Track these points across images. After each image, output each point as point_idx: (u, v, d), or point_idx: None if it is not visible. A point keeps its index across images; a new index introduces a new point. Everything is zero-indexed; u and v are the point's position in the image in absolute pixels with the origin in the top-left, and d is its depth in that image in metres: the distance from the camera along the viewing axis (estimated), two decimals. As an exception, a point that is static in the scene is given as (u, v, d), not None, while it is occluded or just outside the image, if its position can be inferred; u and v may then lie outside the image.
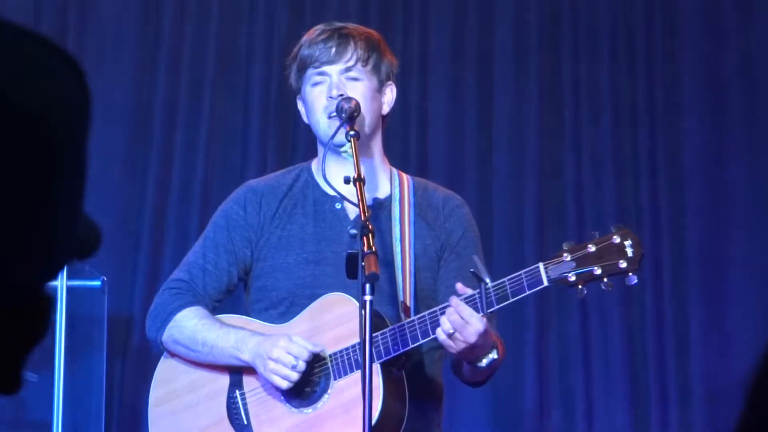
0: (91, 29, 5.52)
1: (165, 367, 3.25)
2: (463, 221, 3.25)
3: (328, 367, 3.06)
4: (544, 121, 5.48)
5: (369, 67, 3.18)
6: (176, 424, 3.19)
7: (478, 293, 2.91)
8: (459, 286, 2.95)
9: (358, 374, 2.98)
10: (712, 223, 5.38)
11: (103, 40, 5.52)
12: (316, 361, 3.06)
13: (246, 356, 3.07)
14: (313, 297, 3.10)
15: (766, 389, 1.21)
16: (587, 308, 5.29)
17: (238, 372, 3.15)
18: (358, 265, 2.80)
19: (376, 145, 3.24)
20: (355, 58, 3.16)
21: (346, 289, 3.01)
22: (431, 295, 3.15)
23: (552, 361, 5.29)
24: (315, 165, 3.27)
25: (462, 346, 2.91)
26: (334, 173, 3.08)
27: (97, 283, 5.01)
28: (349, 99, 3.10)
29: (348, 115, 3.06)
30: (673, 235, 5.37)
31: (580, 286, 2.93)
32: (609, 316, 5.30)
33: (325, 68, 3.16)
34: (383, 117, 3.25)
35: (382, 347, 2.97)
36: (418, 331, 2.97)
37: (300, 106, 3.27)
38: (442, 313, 2.93)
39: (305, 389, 3.07)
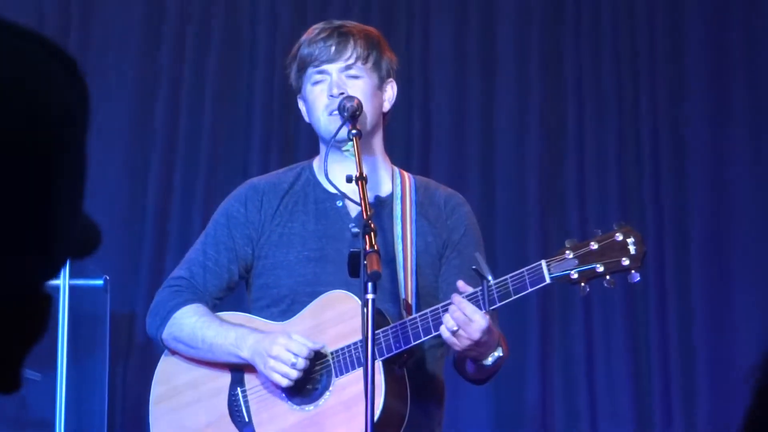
0: (94, 30, 5.53)
1: (166, 365, 3.25)
2: (465, 219, 3.25)
3: (330, 365, 3.06)
4: (547, 119, 5.48)
5: (369, 64, 3.18)
6: (177, 422, 3.19)
7: (480, 291, 2.91)
8: (460, 283, 2.95)
9: (359, 372, 2.98)
10: (715, 220, 5.38)
11: (106, 41, 5.52)
12: (317, 358, 3.05)
13: (245, 353, 3.07)
14: (315, 294, 3.10)
15: None
16: (590, 306, 5.29)
17: (239, 369, 3.14)
18: (360, 263, 2.79)
19: (378, 142, 3.24)
20: (355, 56, 3.16)
21: (348, 286, 3.01)
22: (433, 293, 3.14)
23: (555, 359, 5.29)
24: (317, 163, 3.27)
25: (466, 343, 2.90)
26: (336, 171, 3.07)
27: (100, 282, 5.01)
28: (351, 98, 3.10)
29: (350, 113, 3.06)
30: (676, 232, 5.37)
31: (582, 284, 2.92)
32: (612, 314, 5.30)
33: (325, 67, 3.16)
34: (384, 114, 3.25)
35: (383, 345, 2.97)
36: (420, 329, 2.97)
37: (301, 105, 3.27)
38: (445, 311, 2.92)
39: (307, 386, 3.07)
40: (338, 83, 3.14)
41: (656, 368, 5.25)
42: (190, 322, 3.15)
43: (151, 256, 5.30)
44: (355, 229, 2.96)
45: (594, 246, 2.92)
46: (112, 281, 5.05)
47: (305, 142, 5.17)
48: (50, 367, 4.73)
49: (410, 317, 3.00)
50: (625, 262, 2.91)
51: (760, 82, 5.47)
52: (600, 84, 5.50)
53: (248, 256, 3.22)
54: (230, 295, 3.31)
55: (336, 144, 3.09)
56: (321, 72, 3.17)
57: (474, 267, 2.93)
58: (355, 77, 3.16)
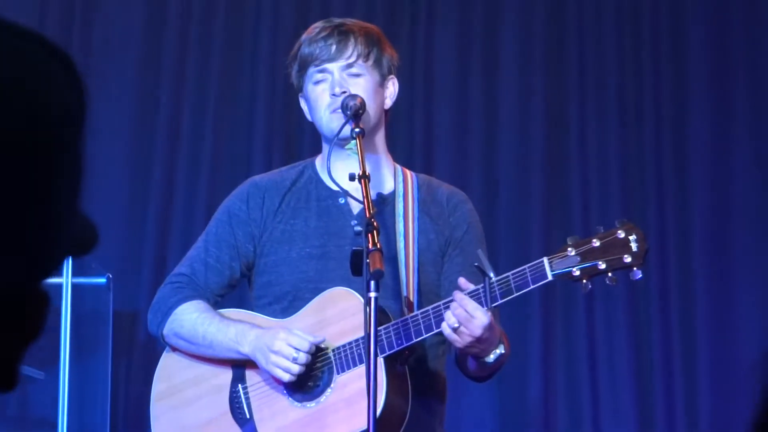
0: (97, 30, 5.53)
1: (167, 362, 3.25)
2: (467, 217, 3.25)
3: (331, 362, 3.06)
4: (549, 118, 5.48)
5: (370, 62, 3.18)
6: (178, 419, 3.19)
7: (482, 288, 2.91)
8: (462, 280, 2.95)
9: (360, 369, 2.98)
10: (717, 218, 5.38)
11: (109, 40, 5.52)
12: (318, 355, 3.06)
13: (246, 349, 3.07)
14: (317, 291, 3.10)
15: None
16: (592, 304, 5.29)
17: (240, 366, 3.15)
18: (363, 262, 2.79)
19: (380, 139, 3.25)
20: (355, 54, 3.16)
21: (350, 283, 3.01)
22: (434, 290, 3.15)
23: (557, 357, 5.29)
24: (319, 161, 3.28)
25: (468, 340, 2.91)
26: (338, 169, 3.07)
27: (103, 280, 5.02)
28: (354, 96, 3.10)
29: (353, 112, 3.06)
30: (678, 230, 5.37)
31: (584, 281, 2.92)
32: (614, 312, 5.30)
33: (327, 66, 3.16)
34: (386, 111, 3.25)
35: (385, 342, 2.97)
36: (422, 326, 2.97)
37: (303, 104, 3.27)
38: (446, 308, 2.92)
39: (308, 383, 3.07)
40: (340, 82, 3.14)
41: (658, 366, 5.25)
42: (191, 318, 3.15)
43: (153, 254, 5.31)
44: (358, 228, 2.96)
45: (596, 243, 2.92)
46: (115, 279, 5.05)
47: (308, 140, 5.18)
48: (53, 365, 4.73)
49: (412, 314, 3.00)
50: (627, 259, 2.91)
51: (762, 81, 5.47)
52: (602, 83, 5.50)
53: (250, 254, 3.22)
54: (232, 293, 3.31)
55: (339, 142, 3.10)
56: (322, 71, 3.17)
57: (476, 264, 2.93)
58: (357, 75, 3.16)
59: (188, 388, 3.20)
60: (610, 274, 2.92)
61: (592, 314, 5.30)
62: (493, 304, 2.91)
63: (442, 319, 2.92)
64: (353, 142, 3.04)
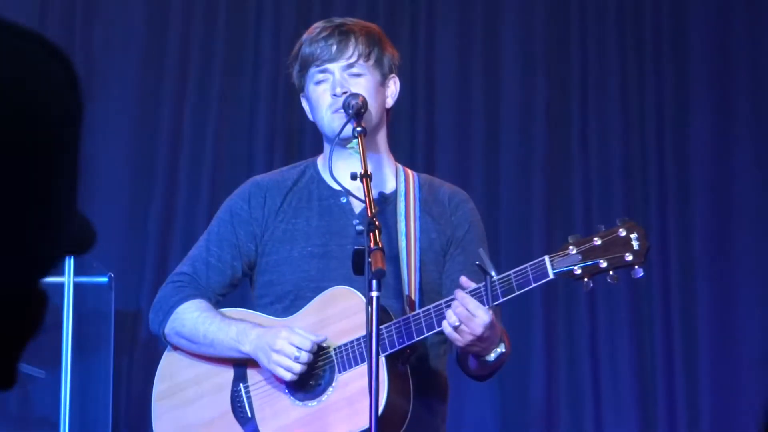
0: (98, 30, 5.54)
1: (168, 361, 3.25)
2: (469, 216, 3.25)
3: (333, 360, 3.06)
4: (551, 117, 5.48)
5: (371, 62, 3.18)
6: (180, 418, 3.20)
7: (484, 286, 2.91)
8: (463, 279, 2.95)
9: (362, 367, 2.98)
10: (719, 216, 5.38)
11: (110, 41, 5.53)
12: (320, 354, 3.06)
13: (247, 348, 3.07)
14: (318, 290, 3.10)
15: None
16: (594, 304, 5.29)
17: (242, 365, 3.15)
18: (365, 261, 2.79)
19: (382, 139, 3.25)
20: (356, 54, 3.16)
21: (351, 282, 3.01)
22: (436, 289, 3.15)
23: (559, 356, 5.29)
24: (321, 161, 3.28)
25: (469, 338, 2.90)
26: (340, 169, 3.07)
27: (104, 279, 5.02)
28: (356, 95, 3.10)
29: (355, 111, 3.06)
30: (679, 230, 5.37)
31: (585, 279, 2.92)
32: (616, 311, 5.30)
33: (327, 66, 3.16)
34: (387, 111, 3.25)
35: (387, 340, 2.97)
36: (423, 325, 2.97)
37: (304, 103, 3.27)
38: (448, 307, 2.92)
39: (309, 382, 3.07)
40: (341, 82, 3.14)
41: (660, 365, 5.25)
42: (192, 317, 3.15)
43: (155, 253, 5.31)
44: (360, 227, 2.96)
45: (597, 241, 2.92)
46: (117, 278, 5.06)
47: (309, 140, 5.18)
48: (55, 364, 4.73)
49: (413, 313, 3.00)
50: (629, 257, 2.91)
51: (762, 82, 5.48)
52: (604, 83, 5.50)
53: (251, 253, 3.23)
54: (233, 292, 3.31)
55: (340, 142, 3.10)
56: (323, 71, 3.17)
57: (477, 263, 2.93)
58: (358, 75, 3.16)
59: (189, 388, 3.20)
60: (611, 273, 2.92)
61: (594, 313, 5.30)
62: (495, 303, 2.91)
63: (444, 318, 2.92)
64: (355, 141, 3.04)
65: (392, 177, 3.26)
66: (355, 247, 2.84)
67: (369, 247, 2.80)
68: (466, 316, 2.88)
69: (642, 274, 2.91)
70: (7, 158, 0.98)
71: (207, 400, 3.18)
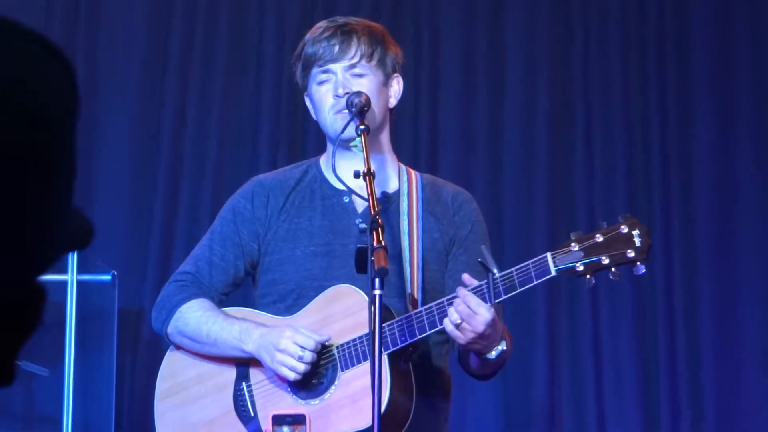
0: (101, 30, 5.54)
1: (171, 360, 3.25)
2: (472, 216, 3.25)
3: (335, 359, 3.06)
4: (554, 116, 5.48)
5: (374, 61, 3.17)
6: (182, 417, 3.20)
7: (486, 284, 2.90)
8: (465, 276, 2.95)
9: (365, 366, 2.98)
10: (722, 214, 5.39)
11: (114, 41, 5.53)
12: (322, 352, 3.06)
13: (250, 347, 3.07)
14: (321, 289, 3.10)
15: None
16: (597, 302, 5.29)
17: (244, 364, 3.15)
18: (368, 259, 2.79)
19: (385, 138, 3.25)
20: (359, 54, 3.15)
21: (354, 281, 3.01)
22: (439, 288, 3.15)
23: (562, 354, 5.29)
24: (324, 160, 3.28)
25: (470, 336, 2.90)
26: (343, 168, 3.07)
27: (108, 277, 5.03)
28: (359, 93, 3.09)
29: (358, 109, 3.06)
30: (682, 229, 5.37)
31: (587, 276, 2.92)
32: (619, 309, 5.31)
33: (330, 66, 3.15)
34: (390, 110, 3.25)
35: (389, 338, 2.97)
36: (426, 322, 2.97)
37: (308, 103, 3.27)
38: (450, 304, 2.92)
39: (312, 380, 3.07)
40: (343, 83, 3.14)
41: (663, 363, 5.25)
42: (195, 316, 3.15)
43: (158, 251, 5.32)
44: (363, 225, 2.96)
45: (599, 238, 2.92)
46: (120, 277, 5.06)
47: (312, 140, 5.18)
48: (58, 362, 4.74)
49: (416, 311, 3.01)
50: (631, 254, 2.90)
51: (764, 83, 5.48)
52: (607, 84, 5.51)
53: (254, 252, 3.23)
54: (236, 291, 3.32)
55: (343, 144, 3.10)
56: (326, 71, 3.16)
57: (479, 260, 2.93)
58: (360, 75, 3.15)
59: (192, 386, 3.20)
60: (613, 269, 2.92)
61: (597, 311, 5.30)
62: (497, 300, 2.91)
63: (446, 315, 2.92)
64: (358, 139, 3.03)
65: (395, 177, 3.26)
66: (358, 246, 2.84)
67: (372, 245, 2.80)
68: (468, 313, 2.88)
69: (644, 270, 2.91)
70: (7, 158, 0.98)
71: (210, 399, 3.18)
